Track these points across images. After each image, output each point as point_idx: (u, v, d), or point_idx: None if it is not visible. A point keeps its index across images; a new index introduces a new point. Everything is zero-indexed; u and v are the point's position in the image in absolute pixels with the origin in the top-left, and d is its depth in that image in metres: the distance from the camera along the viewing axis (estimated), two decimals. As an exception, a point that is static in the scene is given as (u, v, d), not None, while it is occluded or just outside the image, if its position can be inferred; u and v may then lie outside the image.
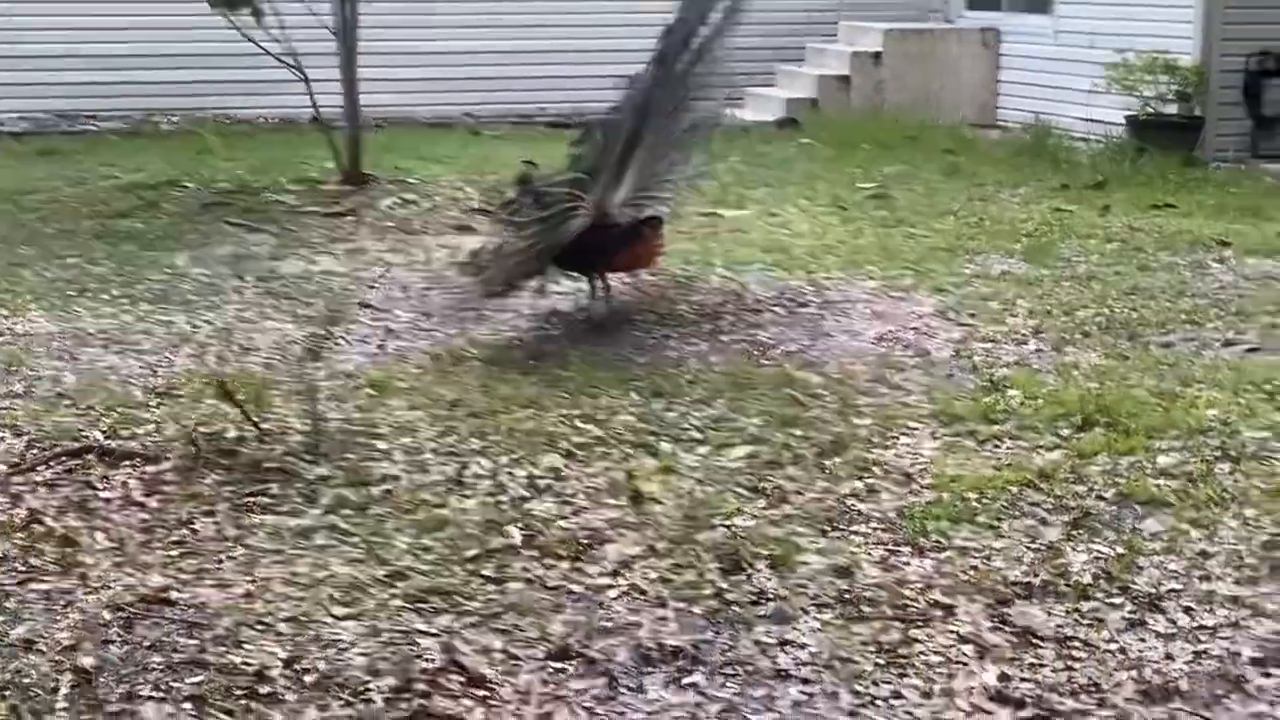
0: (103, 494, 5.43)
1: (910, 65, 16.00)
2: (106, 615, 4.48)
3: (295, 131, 14.74)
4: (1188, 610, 4.61)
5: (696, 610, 4.62)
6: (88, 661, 4.21)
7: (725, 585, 4.77)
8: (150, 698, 4.06)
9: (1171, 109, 13.26)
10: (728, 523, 5.21)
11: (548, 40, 16.43)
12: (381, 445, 5.93)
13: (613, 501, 5.43)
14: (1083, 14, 14.71)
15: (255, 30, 11.69)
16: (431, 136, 15.04)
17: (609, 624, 4.53)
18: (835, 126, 14.77)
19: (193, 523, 5.20)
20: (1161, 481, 5.55)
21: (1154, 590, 4.73)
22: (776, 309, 8.28)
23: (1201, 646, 4.40)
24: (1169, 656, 4.35)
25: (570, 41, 16.33)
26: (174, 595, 4.66)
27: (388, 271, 9.07)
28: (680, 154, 8.58)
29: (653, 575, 4.85)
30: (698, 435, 6.10)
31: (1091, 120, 14.27)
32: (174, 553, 4.97)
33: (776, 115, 15.60)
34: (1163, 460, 5.76)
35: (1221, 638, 4.45)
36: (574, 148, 8.61)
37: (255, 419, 5.92)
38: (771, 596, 4.70)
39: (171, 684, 4.12)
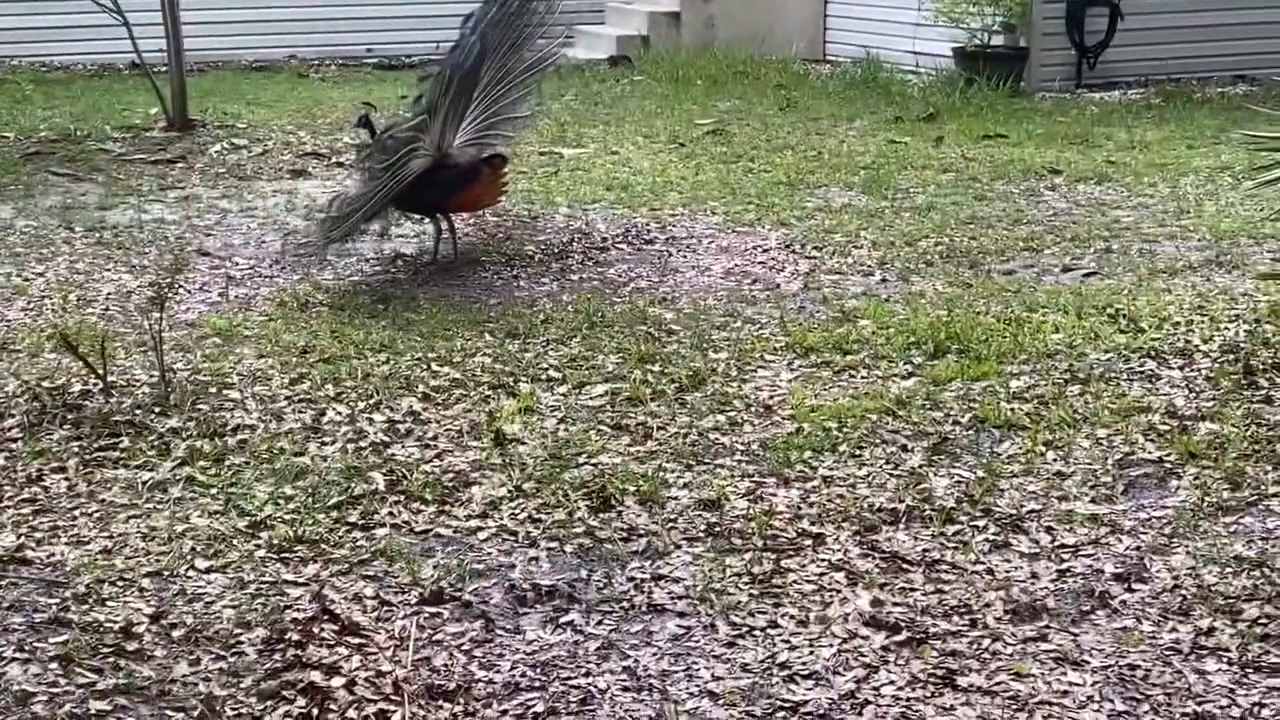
0: (-54, 453, 5.26)
1: (740, 1, 16.00)
2: (-40, 578, 4.34)
3: (115, 78, 14.35)
4: (1049, 530, 4.70)
5: (568, 549, 4.61)
6: (-56, 626, 4.08)
7: (595, 523, 4.76)
8: (15, 659, 3.94)
9: (998, 40, 13.43)
10: (593, 461, 5.20)
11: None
12: (233, 395, 5.81)
13: (475, 444, 5.38)
14: (909, -54, 14.79)
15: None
16: (257, 80, 14.72)
17: (480, 566, 4.50)
18: (668, 64, 14.74)
19: (43, 479, 5.06)
20: (1015, 405, 5.64)
21: (1015, 512, 4.81)
22: (623, 246, 8.25)
23: (1065, 565, 4.49)
24: (1034, 576, 4.43)
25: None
26: (29, 554, 4.53)
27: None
28: (518, 93, 8.51)
29: (521, 516, 4.83)
30: (556, 375, 6.07)
31: (919, 53, 14.40)
32: (25, 511, 4.84)
33: (608, 53, 15.52)
34: (1014, 384, 5.85)
35: (1084, 555, 4.54)
36: (418, 87, 8.53)
37: (100, 372, 5.76)
38: (642, 532, 4.70)
39: (35, 645, 4.01)
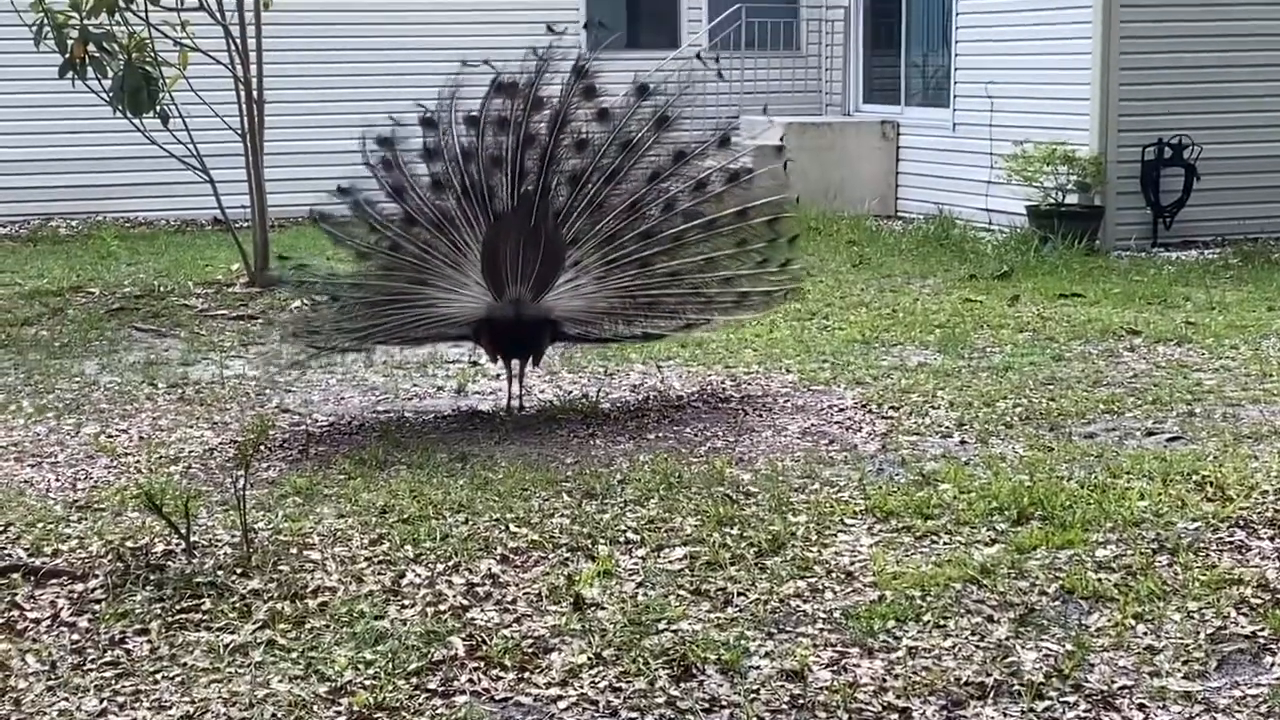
0: (30, 614, 5.27)
1: (812, 158, 16.15)
2: (42, 743, 4.33)
3: (198, 233, 14.60)
4: (1141, 708, 4.60)
5: (650, 719, 4.55)
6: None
7: (677, 693, 4.69)
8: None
9: (1072, 199, 13.48)
10: (673, 627, 5.15)
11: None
12: (314, 555, 5.81)
13: (554, 608, 5.34)
14: (980, 107, 14.96)
15: (157, 132, 11.62)
16: (337, 236, 14.88)
17: (562, 737, 4.44)
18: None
19: (125, 642, 5.06)
20: (1102, 575, 5.55)
21: (1106, 688, 4.71)
22: (698, 405, 8.26)
23: (1158, 743, 4.39)
24: (1127, 754, 4.33)
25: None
26: (111, 719, 4.51)
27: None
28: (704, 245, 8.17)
29: (602, 684, 4.77)
30: (634, 537, 6.04)
31: (992, 210, 14.49)
32: (108, 674, 4.83)
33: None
34: (1101, 554, 5.77)
35: (1177, 733, 4.44)
36: None
37: (183, 532, 5.78)
38: (724, 704, 4.64)
39: (116, 814, 3.98)
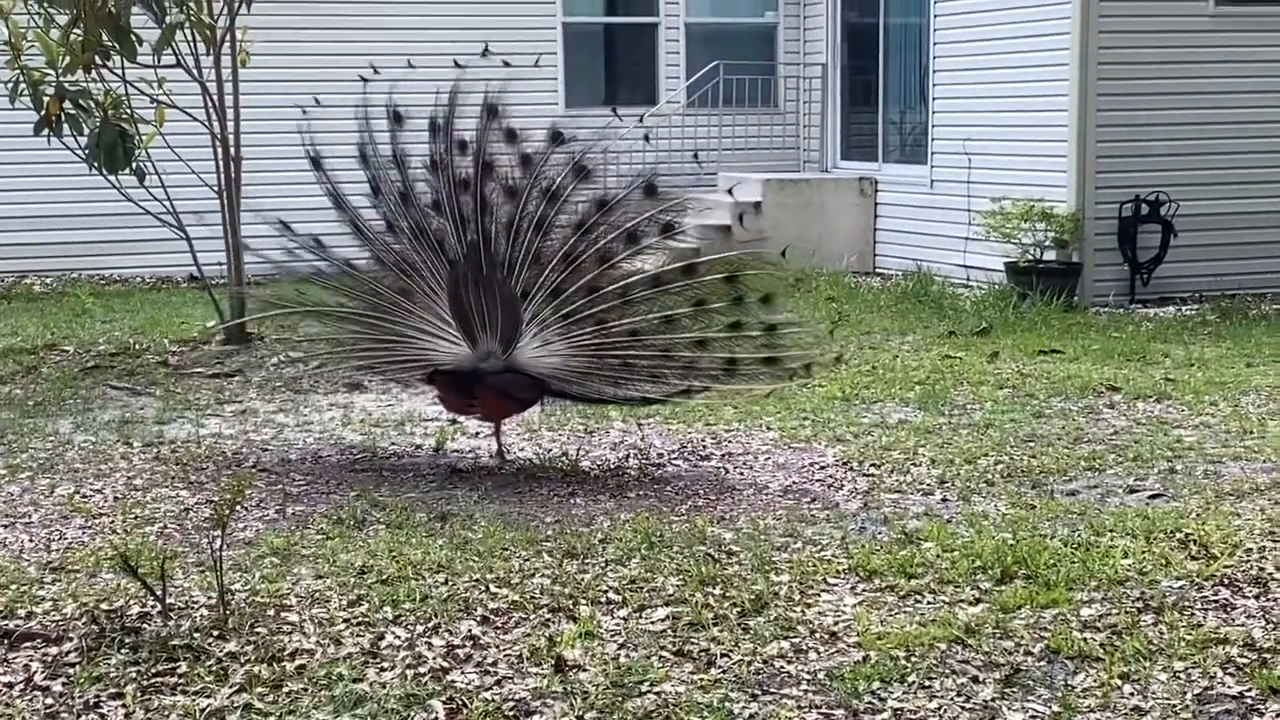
0: (3, 678, 5.18)
1: (790, 214, 16.18)
2: (14, 811, 4.24)
3: (174, 291, 14.54)
4: (1130, 768, 4.55)
5: (634, 784, 4.48)
6: None
7: (660, 756, 4.63)
8: None
9: (1050, 255, 13.51)
10: (656, 690, 5.08)
11: (428, 194, 16.39)
12: (291, 617, 5.73)
13: (535, 669, 5.27)
14: (958, 164, 15.00)
15: (133, 189, 11.59)
16: (316, 292, 14.84)
17: (544, 802, 4.37)
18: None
19: (100, 706, 4.97)
20: (1087, 634, 5.51)
21: (1094, 748, 4.66)
22: (679, 462, 8.21)
23: (1148, 806, 4.34)
24: (1117, 817, 4.28)
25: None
26: (85, 786, 4.43)
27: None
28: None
29: (584, 748, 4.71)
30: (615, 597, 5.97)
31: (970, 267, 14.51)
32: (81, 740, 4.75)
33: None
34: (1086, 613, 5.72)
35: (1167, 796, 4.39)
36: None
37: (159, 594, 5.70)
38: (709, 767, 4.57)
39: None
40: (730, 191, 14.06)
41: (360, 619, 5.74)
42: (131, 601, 5.80)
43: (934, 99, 15.53)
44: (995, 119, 14.57)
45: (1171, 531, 6.63)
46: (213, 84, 11.54)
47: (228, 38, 11.53)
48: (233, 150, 11.66)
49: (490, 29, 16.38)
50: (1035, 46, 13.95)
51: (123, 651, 5.36)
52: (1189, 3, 13.73)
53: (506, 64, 8.07)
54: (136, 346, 11.51)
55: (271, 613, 5.77)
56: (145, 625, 5.57)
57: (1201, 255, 13.77)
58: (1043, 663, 5.30)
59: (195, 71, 11.45)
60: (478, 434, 8.80)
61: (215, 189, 11.78)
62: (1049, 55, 13.74)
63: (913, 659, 5.32)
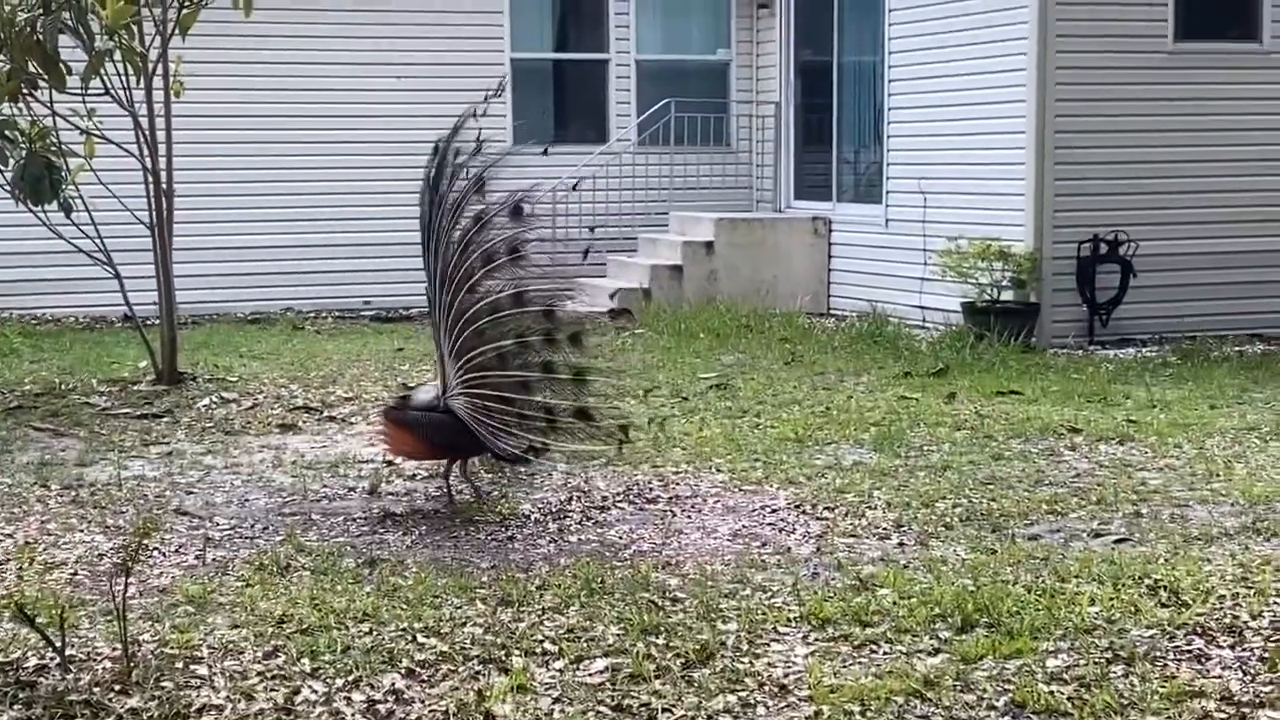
0: (-123, 738, 4.77)
1: (742, 254, 15.89)
2: None
3: (106, 330, 14.12)
4: (1104, 833, 4.19)
5: None
6: None
7: (594, 823, 4.25)
8: None
9: (1007, 295, 13.23)
10: (592, 748, 4.71)
11: (371, 234, 16.07)
12: (201, 670, 5.33)
13: (462, 727, 4.89)
14: (913, 203, 14.74)
15: (63, 226, 11.18)
16: (251, 333, 14.50)
17: None
18: (670, 316, 14.52)
19: (-18, 769, 4.57)
20: (1054, 687, 5.15)
21: (1064, 811, 4.31)
22: (624, 505, 7.85)
23: None
24: None
25: (394, 235, 15.94)
26: None
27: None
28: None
29: (512, 813, 4.32)
30: (552, 648, 5.59)
31: (926, 308, 14.23)
32: (-41, 806, 4.33)
33: (609, 306, 15.33)
34: (1052, 664, 5.37)
35: None
36: None
37: (58, 645, 5.29)
38: (647, 834, 4.19)
39: None
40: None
41: (276, 672, 5.35)
42: (29, 653, 5.39)
43: (889, 137, 15.27)
44: (951, 157, 14.31)
45: (1140, 577, 6.29)
46: (145, 116, 11.14)
47: (160, 67, 11.14)
48: (164, 184, 11.25)
49: (437, 64, 16.17)
50: (992, 83, 13.71)
51: (15, 707, 4.96)
52: (1147, 39, 13.51)
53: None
54: (63, 387, 11.08)
55: (180, 665, 5.37)
56: (42, 679, 5.18)
57: (1161, 296, 13.51)
58: (1007, 718, 4.95)
59: (127, 102, 11.06)
60: (413, 476, 8.41)
61: (147, 225, 11.36)
62: (1006, 92, 13.50)
63: (868, 714, 4.97)
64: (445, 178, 7.66)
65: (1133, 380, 11.46)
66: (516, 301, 7.67)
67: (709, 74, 17.58)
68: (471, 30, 16.50)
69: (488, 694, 5.12)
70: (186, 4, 11.13)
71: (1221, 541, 6.98)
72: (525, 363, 7.62)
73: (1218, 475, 8.35)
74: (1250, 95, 13.79)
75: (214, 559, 6.88)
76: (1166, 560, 6.60)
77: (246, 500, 8.01)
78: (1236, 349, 13.18)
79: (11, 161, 10.74)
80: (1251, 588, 6.15)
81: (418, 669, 5.38)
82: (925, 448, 9.11)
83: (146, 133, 11.18)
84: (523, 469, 8.09)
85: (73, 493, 8.08)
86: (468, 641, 5.65)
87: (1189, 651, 5.49)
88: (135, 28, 10.92)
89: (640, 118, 16.88)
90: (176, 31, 11.15)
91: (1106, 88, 13.39)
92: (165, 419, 10.09)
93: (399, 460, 8.46)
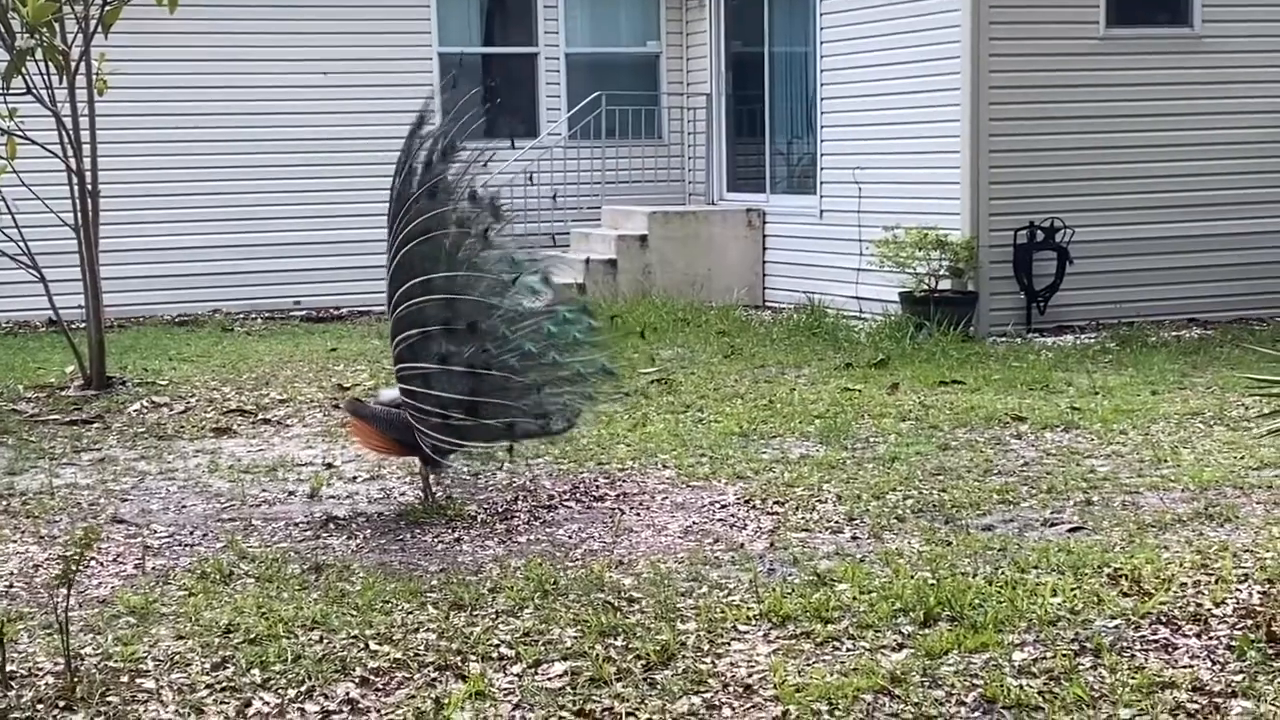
0: None
1: (677, 248, 15.78)
2: None
3: (31, 335, 13.84)
4: (1085, 831, 4.11)
5: None
6: None
7: (563, 834, 4.12)
8: None
9: (945, 284, 13.17)
10: (556, 756, 4.58)
11: (300, 232, 15.84)
12: (147, 684, 5.16)
13: (421, 737, 4.75)
14: (848, 193, 14.67)
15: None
16: (180, 335, 14.26)
17: None
18: (605, 312, 14.35)
19: (-78, 794, 4.39)
20: (1023, 681, 5.07)
21: (1043, 809, 4.22)
22: (571, 504, 7.72)
23: None
24: None
25: (325, 233, 15.74)
26: None
27: None
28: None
29: (477, 826, 4.18)
30: (508, 652, 5.46)
31: (863, 299, 14.16)
32: (-101, 834, 4.15)
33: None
34: (1018, 657, 5.29)
35: None
36: None
37: (-4, 661, 5.11)
38: (618, 844, 4.07)
39: None
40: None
41: (225, 684, 5.19)
42: (-35, 671, 5.19)
43: (822, 128, 15.19)
44: (886, 146, 14.25)
45: (1099, 566, 6.23)
46: (68, 115, 10.89)
47: (82, 65, 10.88)
48: (89, 185, 11.00)
49: (364, 60, 15.96)
50: (925, 72, 13.65)
51: (-47, 729, 4.77)
52: (1078, 25, 13.49)
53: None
54: (-11, 393, 10.82)
55: (125, 679, 5.20)
56: (-20, 698, 4.98)
57: (1098, 282, 13.48)
58: (978, 713, 4.86)
59: (49, 101, 10.80)
60: (355, 479, 8.25)
61: (72, 226, 11.11)
62: (939, 80, 13.44)
63: (836, 713, 4.87)
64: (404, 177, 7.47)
65: (1073, 367, 11.44)
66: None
67: (639, 66, 17.45)
68: (398, 25, 16.29)
69: (446, 702, 4.98)
70: (109, 0, 10.88)
71: (1175, 528, 6.93)
72: (444, 354, 7.42)
73: (1165, 461, 8.32)
74: (1183, 80, 13.80)
75: (154, 567, 6.70)
76: (1124, 549, 6.54)
77: (184, 506, 7.82)
78: (1174, 334, 13.20)
79: (-70, 163, 10.47)
80: (1212, 575, 6.10)
81: (372, 677, 5.23)
82: (871, 439, 9.03)
83: (70, 132, 10.93)
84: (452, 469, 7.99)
85: (3, 503, 7.86)
86: (422, 648, 5.50)
87: (1155, 641, 5.42)
88: (57, 25, 10.65)
89: (571, 111, 16.72)
90: (99, 28, 10.90)
91: (1040, 74, 13.36)
92: (96, 425, 9.87)
93: (339, 463, 8.29)
